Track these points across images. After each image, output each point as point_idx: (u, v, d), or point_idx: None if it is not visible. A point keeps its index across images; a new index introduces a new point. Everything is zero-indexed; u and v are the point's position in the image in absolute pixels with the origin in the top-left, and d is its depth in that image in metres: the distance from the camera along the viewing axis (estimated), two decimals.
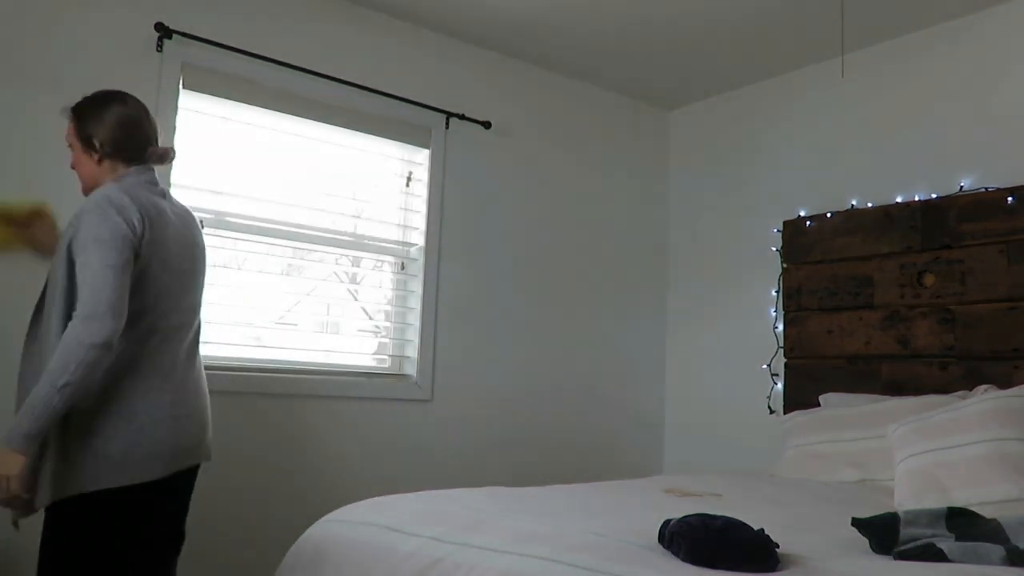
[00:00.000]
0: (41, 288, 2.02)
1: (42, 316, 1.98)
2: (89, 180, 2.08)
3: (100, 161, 2.06)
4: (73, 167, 2.11)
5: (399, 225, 3.53)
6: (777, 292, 3.79)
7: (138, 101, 2.13)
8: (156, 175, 2.11)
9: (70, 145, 2.09)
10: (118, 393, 1.91)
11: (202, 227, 2.90)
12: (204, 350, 2.90)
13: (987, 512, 1.93)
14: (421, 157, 3.56)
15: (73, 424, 1.87)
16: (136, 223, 1.93)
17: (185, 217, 2.14)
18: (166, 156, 2.14)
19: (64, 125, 2.10)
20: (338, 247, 3.32)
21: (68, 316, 1.87)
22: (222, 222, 3.01)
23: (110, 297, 1.83)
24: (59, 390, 1.77)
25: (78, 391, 1.80)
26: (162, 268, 1.99)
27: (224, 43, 2.97)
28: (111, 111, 2.06)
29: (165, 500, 2.03)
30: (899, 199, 3.38)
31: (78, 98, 2.09)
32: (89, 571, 1.90)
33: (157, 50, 2.86)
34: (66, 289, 1.90)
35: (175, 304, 2.03)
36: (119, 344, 1.87)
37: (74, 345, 1.78)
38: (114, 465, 1.89)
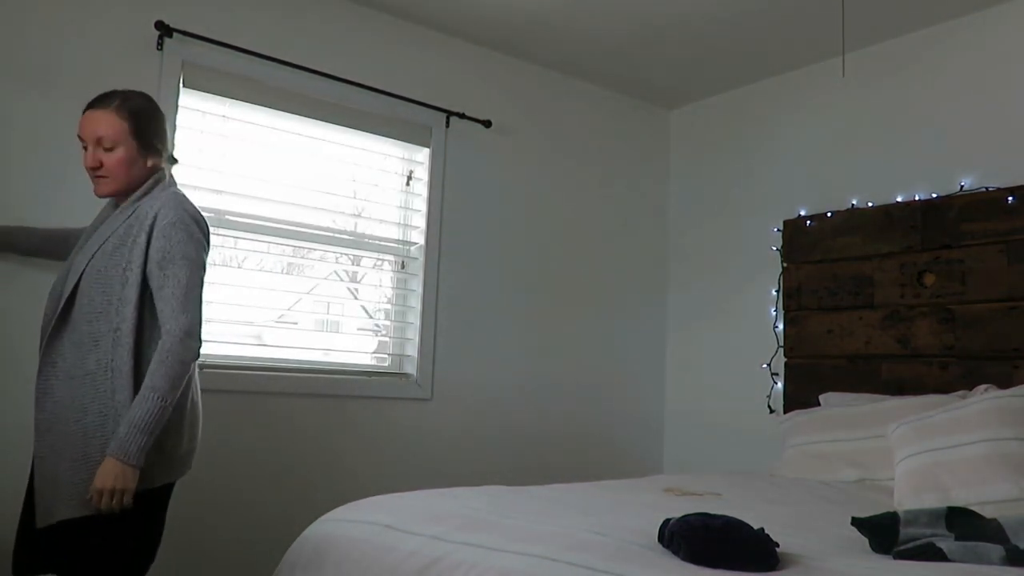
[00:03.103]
0: (67, 288, 1.94)
1: (71, 317, 1.92)
2: (128, 180, 1.99)
3: (154, 167, 2.02)
4: (107, 165, 1.95)
5: (399, 224, 3.53)
6: (777, 292, 3.78)
7: None
8: None
9: (110, 146, 1.94)
10: (184, 394, 1.97)
11: None
12: (205, 348, 2.91)
13: (987, 512, 1.93)
14: (421, 156, 3.56)
15: None
16: (207, 234, 2.00)
17: None
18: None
19: (77, 121, 1.99)
20: (338, 246, 3.32)
21: (139, 326, 1.89)
22: (222, 221, 3.00)
23: (200, 316, 1.91)
24: (168, 405, 1.83)
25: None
26: (206, 273, 2.04)
27: (225, 42, 2.97)
28: (159, 112, 2.05)
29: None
30: (899, 199, 3.38)
31: (90, 95, 2.02)
32: (131, 564, 1.94)
33: (157, 48, 2.86)
34: (139, 297, 1.89)
35: None
36: None
37: (178, 364, 1.84)
38: (174, 460, 1.97)
